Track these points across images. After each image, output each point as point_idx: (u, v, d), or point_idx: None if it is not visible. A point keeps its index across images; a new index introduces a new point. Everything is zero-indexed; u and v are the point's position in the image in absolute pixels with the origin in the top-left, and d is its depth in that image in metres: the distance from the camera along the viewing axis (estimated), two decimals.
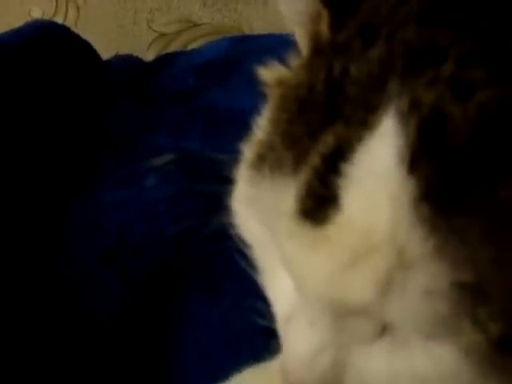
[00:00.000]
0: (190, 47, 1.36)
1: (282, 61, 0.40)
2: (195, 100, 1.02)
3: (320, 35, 0.36)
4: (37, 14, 1.38)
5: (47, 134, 0.88)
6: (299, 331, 0.35)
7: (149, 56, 1.34)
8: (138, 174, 0.80)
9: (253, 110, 0.40)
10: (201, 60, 1.12)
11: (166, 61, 1.20)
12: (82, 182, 0.81)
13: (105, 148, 0.88)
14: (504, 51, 0.29)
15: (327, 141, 0.31)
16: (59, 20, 1.30)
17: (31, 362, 0.63)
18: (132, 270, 0.69)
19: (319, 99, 0.32)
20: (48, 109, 0.91)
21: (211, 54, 1.12)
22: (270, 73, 0.40)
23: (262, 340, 0.49)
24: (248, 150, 0.38)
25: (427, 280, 0.28)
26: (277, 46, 0.40)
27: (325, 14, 0.35)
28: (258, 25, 1.32)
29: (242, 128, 0.40)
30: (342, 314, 0.32)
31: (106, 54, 1.19)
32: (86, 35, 1.12)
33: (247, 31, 1.33)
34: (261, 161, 0.35)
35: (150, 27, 1.40)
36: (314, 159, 0.31)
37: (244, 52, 1.05)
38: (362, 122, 0.30)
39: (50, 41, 0.99)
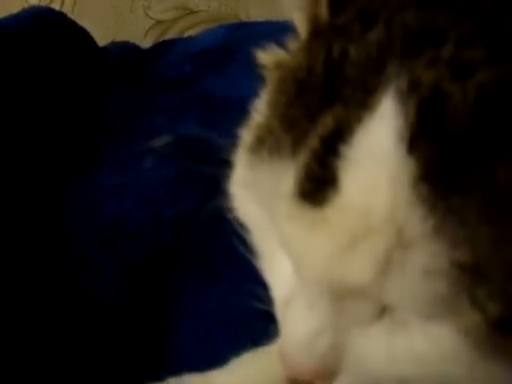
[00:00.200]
0: (186, 34, 1.36)
1: (281, 44, 0.40)
2: (192, 87, 1.02)
3: (319, 18, 0.36)
4: (34, 0, 1.38)
5: (44, 119, 0.87)
6: (298, 314, 0.35)
7: (145, 43, 1.34)
8: (136, 156, 0.80)
9: (250, 97, 0.39)
10: (198, 47, 1.12)
11: (162, 48, 1.19)
12: (80, 167, 0.81)
13: (102, 132, 0.88)
14: (503, 33, 0.29)
15: (326, 123, 0.31)
16: (56, 6, 1.29)
17: (29, 347, 0.63)
18: (129, 255, 0.69)
19: (318, 81, 0.32)
20: (44, 94, 0.91)
21: (208, 42, 1.12)
22: (268, 56, 0.40)
23: (260, 324, 0.50)
24: (246, 134, 0.38)
25: (426, 260, 0.28)
26: (274, 32, 0.39)
27: None
28: (254, 12, 1.31)
29: (240, 115, 0.40)
30: (341, 296, 0.32)
31: (102, 40, 1.19)
32: (82, 22, 1.11)
33: (244, 18, 1.32)
34: (259, 144, 0.35)
35: (146, 14, 1.40)
36: (313, 141, 0.31)
37: (241, 39, 1.04)
38: (361, 103, 0.30)
39: (46, 27, 0.99)
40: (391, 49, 0.30)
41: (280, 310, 0.38)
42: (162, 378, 0.55)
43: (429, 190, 0.28)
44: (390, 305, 0.32)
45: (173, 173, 0.76)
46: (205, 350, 0.62)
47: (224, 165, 0.40)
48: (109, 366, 0.62)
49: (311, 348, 0.34)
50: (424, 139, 0.28)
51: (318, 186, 0.30)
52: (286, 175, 0.32)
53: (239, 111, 0.40)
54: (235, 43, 1.06)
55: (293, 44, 0.39)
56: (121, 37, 1.32)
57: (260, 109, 0.38)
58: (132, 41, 1.27)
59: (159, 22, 1.41)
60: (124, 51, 1.18)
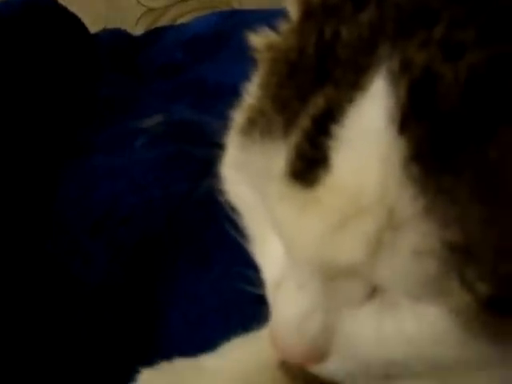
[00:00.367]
0: (178, 22, 1.35)
1: (273, 28, 0.40)
2: (184, 74, 1.01)
3: None
4: None
5: (35, 104, 0.87)
6: (288, 295, 0.35)
7: (137, 31, 1.34)
8: (127, 136, 0.79)
9: (243, 84, 0.39)
10: (189, 34, 1.12)
11: (154, 35, 1.19)
12: (71, 150, 0.81)
13: (94, 116, 0.88)
14: (494, 14, 0.29)
15: (317, 103, 0.31)
16: None
17: (19, 332, 0.63)
18: (121, 239, 0.69)
19: (310, 62, 0.32)
20: (35, 79, 0.90)
21: (200, 29, 1.12)
22: (260, 38, 0.39)
23: (251, 308, 0.50)
24: (238, 116, 0.38)
25: (417, 240, 0.28)
26: (266, 19, 0.39)
27: None
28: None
29: (232, 102, 0.40)
30: (331, 277, 0.32)
31: (93, 27, 1.18)
32: (73, 8, 1.11)
33: (236, 6, 1.32)
34: (251, 125, 0.35)
35: (138, 2, 1.39)
36: (305, 122, 0.31)
37: (233, 26, 1.04)
38: (353, 83, 0.30)
39: (36, 12, 0.98)
40: (383, 29, 0.30)
41: (271, 293, 0.38)
42: (154, 362, 0.55)
43: (420, 170, 0.28)
44: (380, 285, 0.32)
45: (164, 156, 0.76)
46: (196, 334, 0.62)
47: (216, 147, 0.40)
48: (100, 351, 0.62)
49: (302, 329, 0.34)
50: (415, 119, 0.28)
51: (309, 166, 0.30)
52: (277, 156, 0.32)
53: (232, 98, 0.40)
54: (227, 30, 1.05)
55: (284, 26, 0.39)
56: (112, 24, 1.31)
57: (252, 91, 0.38)
58: (123, 28, 1.26)
59: (151, 10, 1.41)
60: (115, 38, 1.17)
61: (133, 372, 0.53)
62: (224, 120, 0.40)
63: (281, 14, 0.39)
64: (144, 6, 1.38)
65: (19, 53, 0.91)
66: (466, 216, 0.28)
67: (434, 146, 0.28)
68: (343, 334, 0.34)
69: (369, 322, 0.33)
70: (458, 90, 0.28)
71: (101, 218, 0.71)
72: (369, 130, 0.29)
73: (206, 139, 0.40)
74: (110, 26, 1.29)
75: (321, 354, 0.35)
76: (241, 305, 0.59)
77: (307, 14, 0.35)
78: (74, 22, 1.07)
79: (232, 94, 0.39)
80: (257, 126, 0.34)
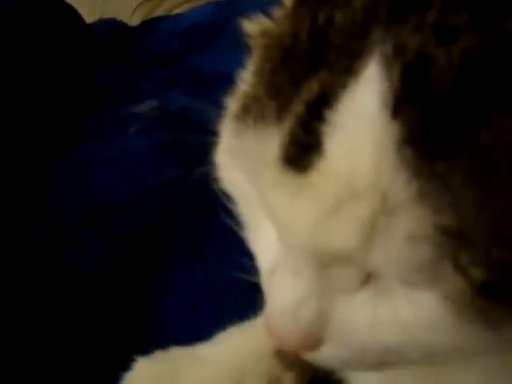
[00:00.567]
0: (174, 12, 1.35)
1: (267, 14, 0.40)
2: (180, 63, 1.01)
3: None
4: None
5: (29, 94, 0.87)
6: (283, 282, 0.35)
7: (133, 21, 1.33)
8: (122, 125, 0.79)
9: (238, 73, 0.39)
10: (185, 24, 1.12)
11: (150, 25, 1.19)
12: (65, 139, 0.81)
13: (89, 106, 0.88)
14: None
15: (311, 88, 0.31)
16: None
17: (16, 324, 0.63)
18: (116, 229, 0.69)
19: (303, 48, 0.32)
20: (28, 69, 0.90)
21: (196, 18, 1.12)
22: (254, 25, 0.39)
23: (246, 297, 0.50)
24: (232, 103, 0.38)
25: (410, 225, 0.28)
26: (262, 9, 0.39)
27: None
28: None
29: (228, 90, 0.40)
30: (325, 263, 0.32)
31: (89, 18, 1.18)
32: None
33: None
34: (245, 112, 0.35)
35: None
36: (298, 107, 0.31)
37: (229, 15, 1.04)
38: (346, 68, 0.30)
39: (32, 2, 0.98)
40: (376, 14, 0.30)
41: (265, 280, 0.38)
42: (149, 351, 0.55)
43: (413, 155, 0.28)
44: (374, 271, 0.32)
45: (159, 144, 0.76)
46: (191, 324, 0.62)
47: (210, 135, 0.40)
48: (96, 340, 0.62)
49: (296, 316, 0.34)
50: (408, 104, 0.28)
51: (302, 151, 0.30)
52: (271, 141, 0.32)
53: (228, 86, 0.40)
54: (223, 19, 1.05)
55: (278, 13, 0.39)
56: (108, 14, 1.31)
57: (246, 78, 0.38)
58: (119, 19, 1.26)
59: (147, 0, 1.40)
60: (111, 28, 1.17)
61: (128, 361, 0.54)
62: (219, 108, 0.40)
63: (276, 3, 0.39)
64: None
65: (14, 42, 0.91)
66: (460, 200, 0.28)
67: (428, 130, 0.28)
68: (337, 321, 0.34)
69: (363, 309, 0.33)
70: (452, 73, 0.28)
71: (95, 208, 0.71)
72: (362, 115, 0.29)
73: (201, 127, 0.40)
74: (106, 16, 1.29)
75: (315, 342, 0.35)
76: (235, 294, 0.59)
77: None
78: (69, 12, 1.07)
79: (228, 83, 0.39)
80: (250, 112, 0.34)
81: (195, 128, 0.40)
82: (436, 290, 0.30)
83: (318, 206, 0.30)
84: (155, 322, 0.63)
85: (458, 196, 0.28)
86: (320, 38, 0.32)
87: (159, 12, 1.36)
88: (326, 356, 0.35)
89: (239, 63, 0.39)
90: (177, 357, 0.55)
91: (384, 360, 0.35)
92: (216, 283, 0.63)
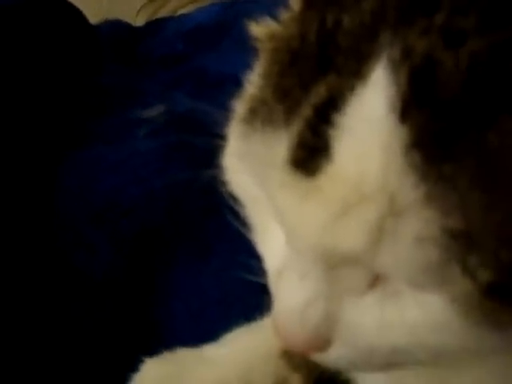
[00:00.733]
0: (178, 13, 1.35)
1: (274, 17, 0.40)
2: (185, 64, 1.01)
3: None
4: None
5: (35, 95, 0.87)
6: (290, 284, 0.35)
7: (137, 22, 1.33)
8: (129, 127, 0.79)
9: (244, 74, 0.39)
10: (190, 25, 1.12)
11: (155, 26, 1.19)
12: (72, 143, 0.81)
13: (95, 107, 0.88)
14: (495, 1, 0.29)
15: (319, 91, 0.31)
16: None
17: (25, 325, 0.63)
18: (123, 231, 0.69)
19: (311, 51, 0.32)
20: (34, 71, 0.91)
21: (201, 19, 1.12)
22: (261, 28, 0.39)
23: (252, 299, 0.50)
24: (239, 106, 0.38)
25: (418, 227, 0.28)
26: (267, 10, 0.39)
27: None
28: None
29: (233, 92, 0.40)
30: (333, 265, 0.32)
31: (94, 19, 1.18)
32: (74, 0, 1.11)
33: None
34: (252, 115, 0.35)
35: None
36: (306, 110, 0.31)
37: (234, 16, 1.04)
38: (354, 72, 0.30)
39: (37, 3, 0.98)
40: (384, 17, 0.30)
41: (273, 282, 0.38)
42: (157, 352, 0.55)
43: (421, 158, 0.28)
44: (382, 274, 0.32)
45: (165, 147, 0.76)
46: (198, 326, 0.62)
47: (217, 137, 0.40)
48: (104, 341, 0.62)
49: (304, 317, 0.34)
50: (416, 107, 0.28)
51: (310, 154, 0.30)
52: (279, 145, 0.32)
53: (233, 88, 0.40)
54: (229, 20, 1.05)
55: (285, 16, 0.39)
56: (112, 15, 1.31)
57: (253, 80, 0.38)
58: (124, 19, 1.26)
59: (151, 1, 1.40)
60: (116, 29, 1.17)
61: (136, 362, 0.54)
62: (225, 110, 0.40)
63: (282, 3, 0.39)
64: None
65: (19, 43, 0.91)
66: (467, 203, 0.28)
67: (435, 134, 0.28)
68: (345, 323, 0.34)
69: (371, 311, 0.33)
70: (459, 77, 0.28)
71: (103, 210, 0.71)
72: (370, 118, 0.29)
73: (207, 129, 0.40)
74: (111, 17, 1.29)
75: (323, 342, 0.35)
76: (242, 295, 0.60)
77: (308, 2, 0.35)
78: (74, 13, 1.07)
79: (233, 84, 0.39)
80: (258, 115, 0.34)
81: (201, 130, 0.40)
82: (443, 291, 0.30)
83: (327, 209, 0.30)
84: (162, 323, 0.63)
85: (466, 198, 0.28)
86: (328, 41, 0.32)
87: (163, 13, 1.36)
88: (333, 357, 0.36)
89: (244, 64, 0.39)
90: (184, 358, 0.55)
91: (391, 361, 0.35)
92: (223, 285, 0.63)
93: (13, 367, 0.61)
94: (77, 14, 1.08)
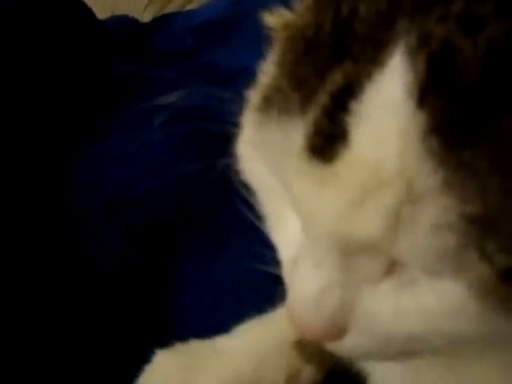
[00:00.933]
0: (186, 9, 1.35)
1: (288, 7, 0.40)
2: (194, 59, 1.01)
3: None
4: None
5: (44, 91, 0.87)
6: (305, 272, 0.35)
7: (144, 18, 1.33)
8: (139, 120, 0.79)
9: (254, 68, 0.39)
10: (199, 20, 1.12)
11: (162, 21, 1.19)
12: (83, 136, 0.81)
13: (104, 102, 0.88)
14: None
15: (335, 79, 0.31)
16: None
17: (35, 312, 0.63)
18: (135, 223, 0.69)
19: (327, 39, 0.32)
20: (43, 66, 0.91)
21: (209, 14, 1.12)
22: (275, 18, 0.39)
23: (264, 290, 0.50)
24: (254, 95, 0.38)
25: (436, 213, 0.28)
26: (276, 4, 0.39)
27: None
28: None
29: (244, 85, 0.40)
30: (350, 252, 0.33)
31: (101, 14, 1.18)
32: None
33: None
34: (267, 104, 0.35)
35: None
36: (323, 98, 0.31)
37: (243, 10, 1.04)
38: (371, 59, 0.30)
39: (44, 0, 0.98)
40: (401, 5, 0.30)
41: (287, 270, 0.38)
42: (169, 344, 0.56)
43: (439, 144, 0.28)
44: (399, 260, 0.32)
45: (176, 138, 0.76)
46: (210, 317, 0.62)
47: (230, 126, 0.40)
48: (116, 333, 0.62)
49: (319, 305, 0.34)
50: (434, 93, 0.28)
51: (328, 141, 0.31)
52: (295, 132, 0.32)
53: (243, 82, 0.40)
54: (237, 15, 1.05)
55: (299, 5, 0.39)
56: (120, 11, 1.31)
57: (267, 70, 0.38)
58: (131, 15, 1.26)
59: None
60: (123, 25, 1.18)
61: (148, 353, 0.54)
62: (236, 101, 0.40)
63: None
64: None
65: (28, 40, 0.91)
66: (486, 188, 0.28)
67: (453, 120, 0.28)
68: (362, 311, 0.34)
69: (387, 298, 0.33)
70: (478, 63, 0.28)
71: (114, 202, 0.72)
72: (388, 105, 0.29)
73: (220, 118, 0.40)
74: (118, 13, 1.29)
75: (339, 331, 0.35)
76: (254, 286, 0.60)
77: None
78: (82, 8, 1.08)
79: (243, 79, 0.39)
80: (273, 103, 0.34)
81: (214, 120, 0.40)
82: (460, 277, 0.30)
83: (344, 195, 0.30)
84: (174, 314, 0.63)
85: (485, 184, 0.28)
86: (344, 29, 0.32)
87: (171, 8, 1.36)
88: (349, 345, 0.36)
89: (254, 59, 0.40)
90: (196, 349, 0.55)
91: (407, 349, 0.35)
92: (235, 276, 0.63)
93: (24, 360, 0.61)
94: (84, 9, 1.09)
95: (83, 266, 0.67)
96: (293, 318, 0.36)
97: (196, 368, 0.54)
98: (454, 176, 0.28)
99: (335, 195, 0.31)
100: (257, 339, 0.55)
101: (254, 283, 0.60)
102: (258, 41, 0.40)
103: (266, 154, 0.36)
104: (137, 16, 1.28)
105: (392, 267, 0.33)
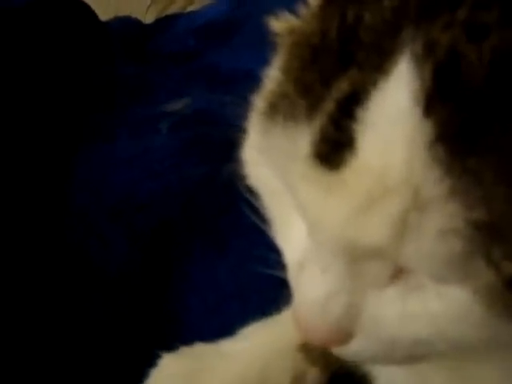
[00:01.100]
0: (188, 10, 1.35)
1: (293, 12, 0.40)
2: (196, 61, 1.01)
3: None
4: None
5: (48, 92, 0.88)
6: (312, 277, 0.35)
7: (147, 19, 1.34)
8: (145, 122, 0.79)
9: (256, 70, 0.40)
10: (201, 21, 1.12)
11: (165, 23, 1.19)
12: (86, 137, 0.81)
13: (108, 103, 0.88)
14: None
15: (342, 87, 0.31)
16: None
17: (39, 315, 0.63)
18: (139, 226, 0.70)
19: (332, 46, 0.32)
20: (47, 68, 0.91)
21: (212, 15, 1.12)
22: (280, 23, 0.40)
23: (269, 293, 0.50)
24: (259, 100, 0.38)
25: (442, 220, 0.29)
26: (278, 5, 0.40)
27: None
28: None
29: (246, 87, 0.40)
30: (356, 258, 0.33)
31: (103, 16, 1.18)
32: None
33: None
34: (273, 110, 0.35)
35: None
36: (329, 105, 0.31)
37: (245, 12, 1.04)
38: (377, 67, 0.30)
39: (48, 1, 0.98)
40: (406, 13, 0.31)
41: (293, 274, 0.38)
42: (174, 347, 0.56)
43: (445, 152, 0.28)
44: (405, 267, 0.32)
45: (180, 142, 0.76)
46: (214, 320, 0.62)
47: (234, 131, 0.40)
48: (121, 336, 0.62)
49: (325, 310, 0.34)
50: (440, 101, 0.28)
51: (334, 148, 0.31)
52: (301, 139, 0.32)
53: (245, 84, 0.40)
54: (239, 16, 1.05)
55: (304, 11, 0.39)
56: (122, 12, 1.31)
57: (272, 75, 0.38)
58: (133, 16, 1.26)
59: None
60: (126, 26, 1.18)
61: (154, 357, 0.54)
62: (239, 105, 0.40)
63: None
64: None
65: (32, 42, 0.91)
66: (492, 196, 0.28)
67: (459, 127, 0.28)
68: (368, 315, 0.34)
69: (394, 303, 0.33)
70: (483, 70, 0.28)
71: (119, 204, 0.72)
72: (394, 113, 0.29)
73: (224, 122, 0.40)
74: (121, 14, 1.29)
75: (345, 335, 0.35)
76: (259, 289, 0.60)
77: None
78: (84, 10, 1.08)
79: (245, 80, 0.40)
80: (279, 109, 0.35)
81: (218, 124, 0.40)
82: (466, 284, 0.31)
83: (351, 202, 0.31)
84: (179, 318, 0.63)
85: (491, 192, 0.28)
86: (349, 37, 0.32)
87: (173, 9, 1.36)
88: (354, 349, 0.36)
89: (256, 60, 0.40)
90: (201, 353, 0.56)
91: (413, 353, 0.35)
92: (239, 279, 0.63)
93: (27, 363, 0.61)
94: (87, 11, 1.09)
95: (87, 267, 0.67)
96: (298, 322, 0.36)
97: (201, 371, 0.54)
98: (460, 183, 0.28)
99: (342, 202, 0.31)
100: (262, 342, 0.55)
101: (259, 286, 0.60)
102: (260, 42, 0.40)
103: (272, 159, 0.36)
104: (139, 17, 1.28)
105: (398, 272, 0.33)
